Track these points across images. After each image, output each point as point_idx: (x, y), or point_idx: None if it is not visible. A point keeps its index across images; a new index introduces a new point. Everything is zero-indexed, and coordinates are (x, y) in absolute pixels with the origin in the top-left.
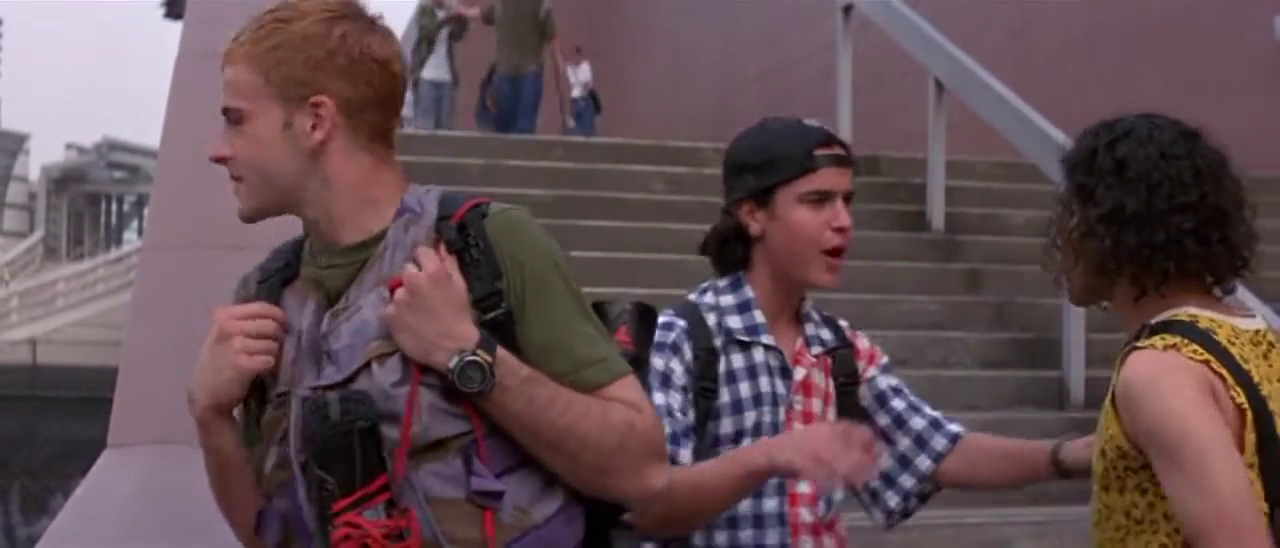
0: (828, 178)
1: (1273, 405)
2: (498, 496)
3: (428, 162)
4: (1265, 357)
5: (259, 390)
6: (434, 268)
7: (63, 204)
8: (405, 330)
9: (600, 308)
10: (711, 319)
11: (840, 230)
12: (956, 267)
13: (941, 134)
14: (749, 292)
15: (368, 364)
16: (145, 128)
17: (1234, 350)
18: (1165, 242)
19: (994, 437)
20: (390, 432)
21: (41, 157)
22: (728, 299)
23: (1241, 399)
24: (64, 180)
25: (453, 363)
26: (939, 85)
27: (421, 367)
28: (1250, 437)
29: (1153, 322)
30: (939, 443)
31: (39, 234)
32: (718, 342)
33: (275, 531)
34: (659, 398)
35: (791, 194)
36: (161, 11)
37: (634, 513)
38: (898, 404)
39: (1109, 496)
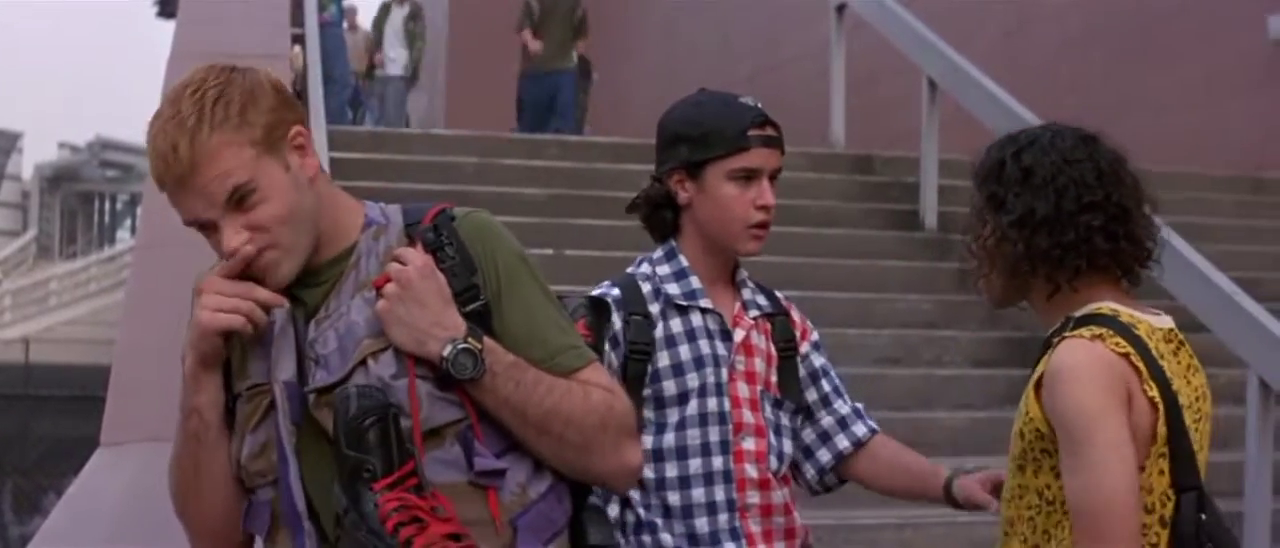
0: (758, 157)
1: (1183, 399)
2: (501, 474)
3: (422, 160)
4: (1175, 354)
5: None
6: (420, 261)
7: (56, 203)
8: (398, 323)
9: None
10: (646, 287)
11: (764, 208)
12: (949, 266)
13: (935, 133)
14: (683, 260)
15: (362, 363)
16: (138, 127)
17: (1151, 345)
18: (1075, 241)
19: (902, 447)
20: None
21: (34, 155)
22: (664, 268)
23: (1154, 394)
24: (57, 179)
25: (447, 351)
26: (932, 84)
27: (414, 359)
28: (1162, 429)
29: (1077, 315)
30: (860, 429)
31: (32, 233)
32: (654, 308)
33: (265, 519)
34: None
35: (722, 170)
36: (154, 11)
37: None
38: (826, 386)
39: (1024, 476)
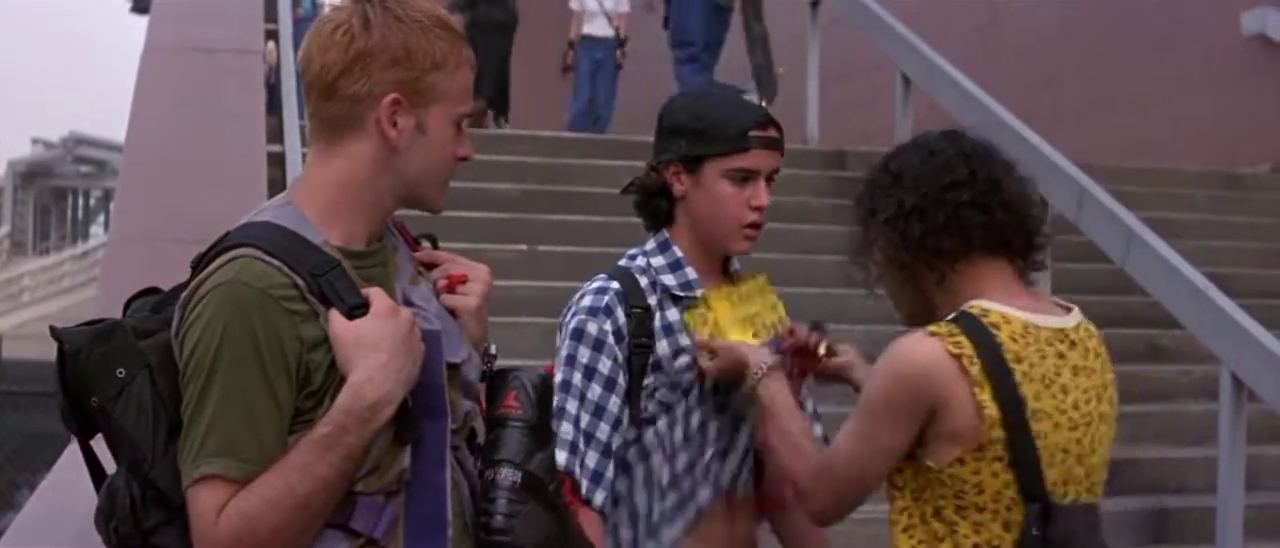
0: (757, 158)
1: (1038, 406)
2: None
3: None
4: (1064, 354)
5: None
6: (488, 269)
7: (29, 199)
8: (479, 318)
9: (504, 376)
10: (644, 280)
11: (758, 208)
12: None
13: (908, 129)
14: (677, 251)
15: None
16: (112, 123)
17: (1012, 348)
18: (945, 221)
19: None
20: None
21: (7, 151)
22: (658, 259)
23: (984, 397)
24: (30, 175)
25: (494, 348)
26: (906, 80)
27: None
28: (996, 434)
29: (955, 311)
30: None
31: (5, 229)
32: (652, 300)
33: (387, 523)
34: (571, 406)
35: (719, 168)
36: (128, 6)
37: None
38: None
39: None
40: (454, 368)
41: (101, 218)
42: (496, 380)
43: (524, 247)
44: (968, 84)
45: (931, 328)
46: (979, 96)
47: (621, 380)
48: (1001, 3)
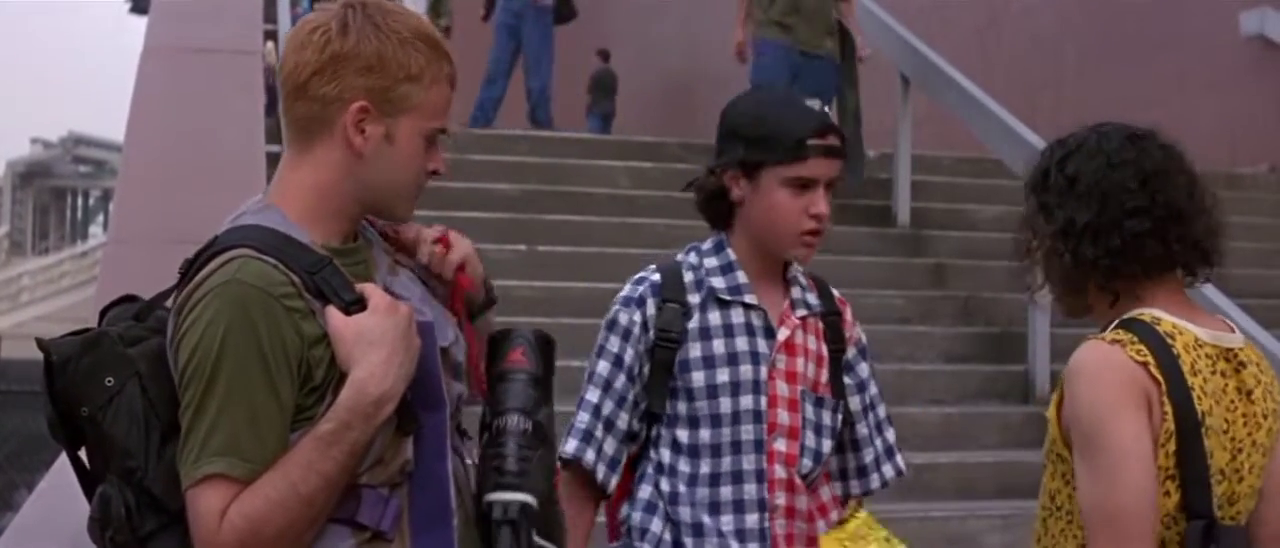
0: (815, 167)
1: (1211, 421)
2: None
3: None
4: (1227, 374)
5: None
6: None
7: (28, 199)
8: (477, 258)
9: (506, 334)
10: (690, 276)
11: (817, 216)
12: (922, 262)
13: (908, 130)
14: (732, 254)
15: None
16: (111, 123)
17: (1186, 359)
18: (1122, 247)
19: None
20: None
21: (6, 151)
22: (712, 261)
23: (1168, 409)
24: (29, 175)
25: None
26: (905, 81)
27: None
28: (1171, 447)
29: (1121, 317)
30: (888, 472)
31: (4, 229)
32: (693, 298)
33: (392, 516)
34: (593, 395)
35: (777, 175)
36: (127, 7)
37: None
38: (858, 404)
39: (1045, 475)
40: (444, 352)
41: (101, 218)
42: (499, 338)
43: (523, 247)
44: (967, 84)
45: (1108, 336)
46: (978, 96)
47: (640, 370)
48: (1000, 3)
